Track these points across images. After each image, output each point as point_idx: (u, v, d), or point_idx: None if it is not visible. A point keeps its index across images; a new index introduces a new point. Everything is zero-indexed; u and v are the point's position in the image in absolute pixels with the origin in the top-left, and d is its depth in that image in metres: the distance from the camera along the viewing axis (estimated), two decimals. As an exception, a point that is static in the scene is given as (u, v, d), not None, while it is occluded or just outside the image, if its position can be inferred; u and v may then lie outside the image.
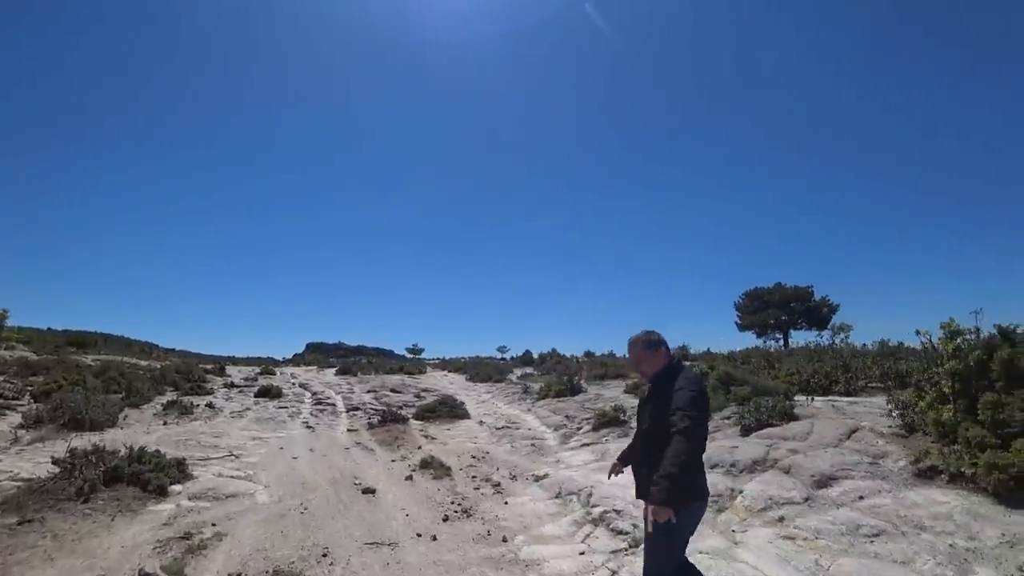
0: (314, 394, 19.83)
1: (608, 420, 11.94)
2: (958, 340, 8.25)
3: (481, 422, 14.54)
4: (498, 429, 12.92)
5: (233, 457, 9.62)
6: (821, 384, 12.92)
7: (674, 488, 2.57)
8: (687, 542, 3.20)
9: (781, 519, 6.11)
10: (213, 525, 6.05)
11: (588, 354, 33.25)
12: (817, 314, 26.63)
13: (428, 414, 14.82)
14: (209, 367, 28.88)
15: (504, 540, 5.91)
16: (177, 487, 7.23)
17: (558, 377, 18.84)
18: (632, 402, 13.04)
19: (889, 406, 9.72)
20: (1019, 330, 8.30)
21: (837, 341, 21.28)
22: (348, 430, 13.49)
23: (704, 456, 7.77)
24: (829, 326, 24.70)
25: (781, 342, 26.75)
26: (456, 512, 6.85)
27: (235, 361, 43.31)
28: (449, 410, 14.99)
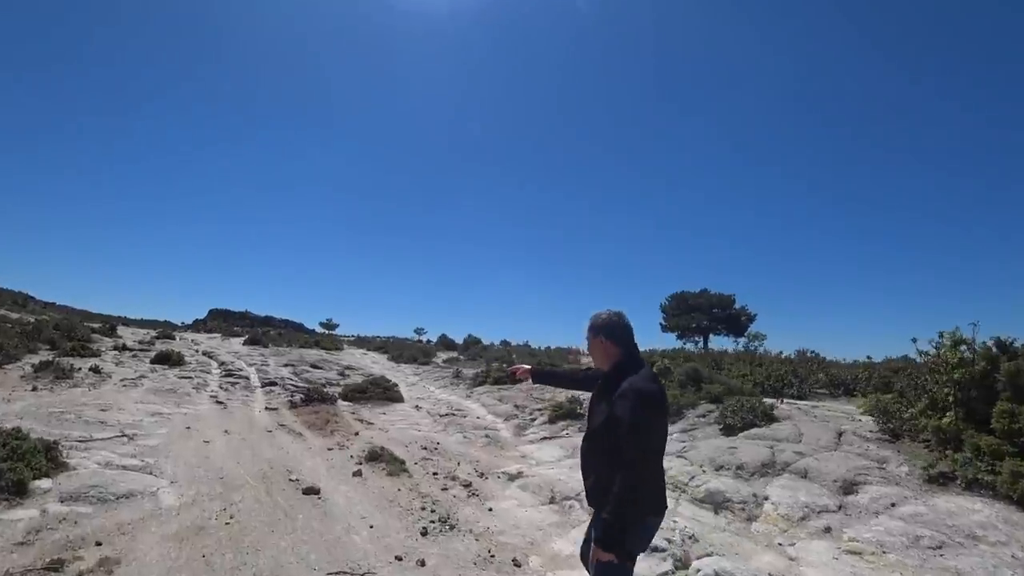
0: (222, 364, 17.22)
1: (564, 412, 10.63)
2: (962, 349, 7.66)
3: (417, 407, 12.81)
4: (442, 416, 11.27)
5: (126, 438, 7.41)
6: (774, 387, 12.26)
7: (620, 534, 2.20)
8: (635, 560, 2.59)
9: (828, 529, 5.34)
10: (98, 544, 4.06)
11: (504, 343, 32.01)
12: (736, 322, 26.96)
13: (358, 395, 12.90)
14: (96, 326, 25.04)
15: (517, 565, 4.38)
16: (44, 483, 5.07)
17: (494, 365, 17.39)
18: (584, 395, 11.78)
19: (860, 411, 9.17)
20: (1017, 344, 7.98)
21: (751, 348, 21.31)
22: (266, 408, 11.35)
23: (705, 456, 6.39)
24: (745, 334, 24.88)
25: (701, 345, 26.99)
26: (434, 523, 5.19)
27: (127, 323, 38.53)
28: (382, 392, 13.14)
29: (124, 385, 12.34)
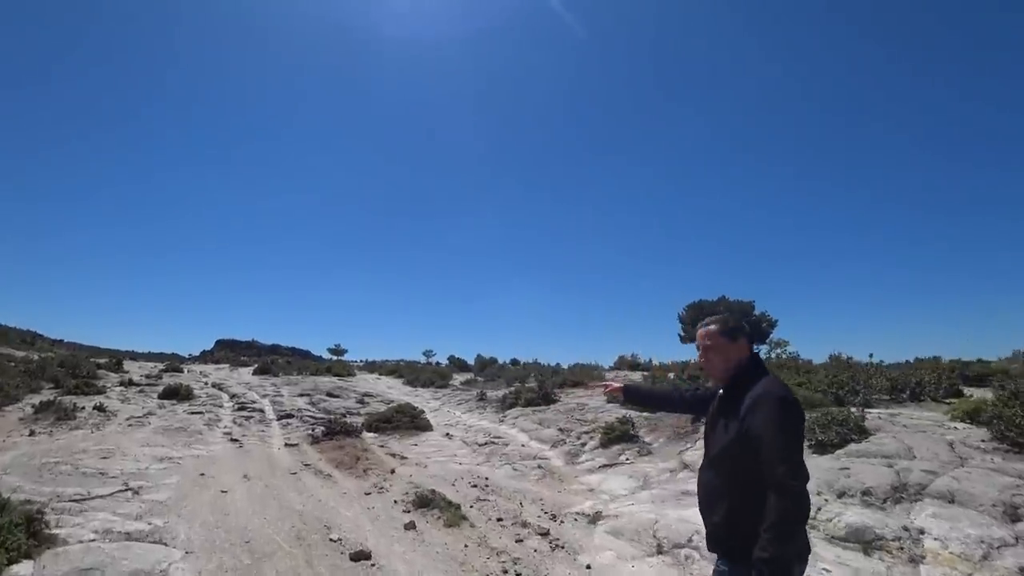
0: (233, 396, 15.96)
1: (618, 435, 9.39)
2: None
3: (448, 434, 11.55)
4: (480, 445, 10.01)
5: (130, 493, 6.16)
6: (837, 396, 11.05)
7: (783, 562, 1.71)
8: None
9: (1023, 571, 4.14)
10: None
11: (514, 362, 30.71)
12: (757, 328, 25.71)
13: (383, 425, 11.64)
14: (103, 362, 23.78)
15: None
16: (23, 567, 3.81)
17: (526, 385, 16.14)
18: (633, 413, 10.58)
19: (947, 417, 8.08)
20: None
21: (774, 355, 20.04)
22: (286, 444, 10.10)
23: (816, 480, 5.48)
24: (767, 341, 23.64)
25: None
26: (528, 598, 3.96)
27: (135, 357, 37.21)
28: (409, 420, 11.88)
29: (130, 425, 11.07)
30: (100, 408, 12.72)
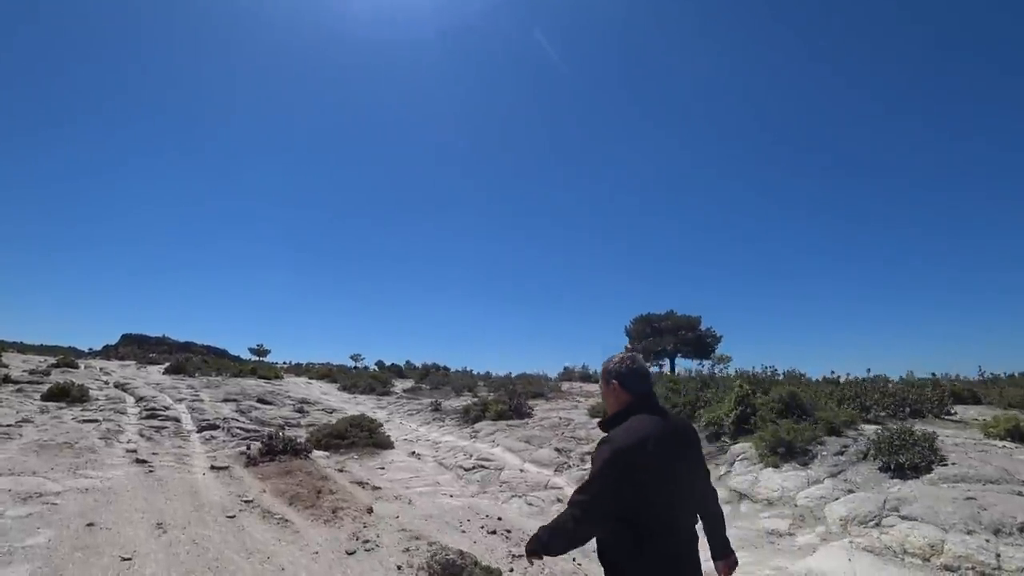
0: (140, 400, 12.69)
1: (633, 460, 7.50)
2: None
3: (415, 453, 9.22)
4: (467, 470, 7.76)
5: (-45, 572, 3.53)
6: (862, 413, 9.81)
7: (539, 544, 1.90)
8: None
9: None
10: None
11: (464, 370, 28.35)
12: (703, 343, 24.94)
13: (335, 441, 9.12)
14: (-26, 354, 19.23)
15: None
16: None
17: (489, 396, 13.99)
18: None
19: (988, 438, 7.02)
20: None
21: (716, 370, 19.19)
22: (213, 467, 7.42)
23: (939, 515, 4.78)
24: (711, 355, 22.91)
25: (667, 368, 24.68)
26: None
27: (23, 349, 31.36)
28: (367, 436, 9.41)
29: (-8, 438, 7.93)
30: (-45, 413, 9.35)
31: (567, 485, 7.07)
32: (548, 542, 1.90)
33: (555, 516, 1.95)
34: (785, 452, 6.84)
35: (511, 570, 4.22)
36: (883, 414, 10.27)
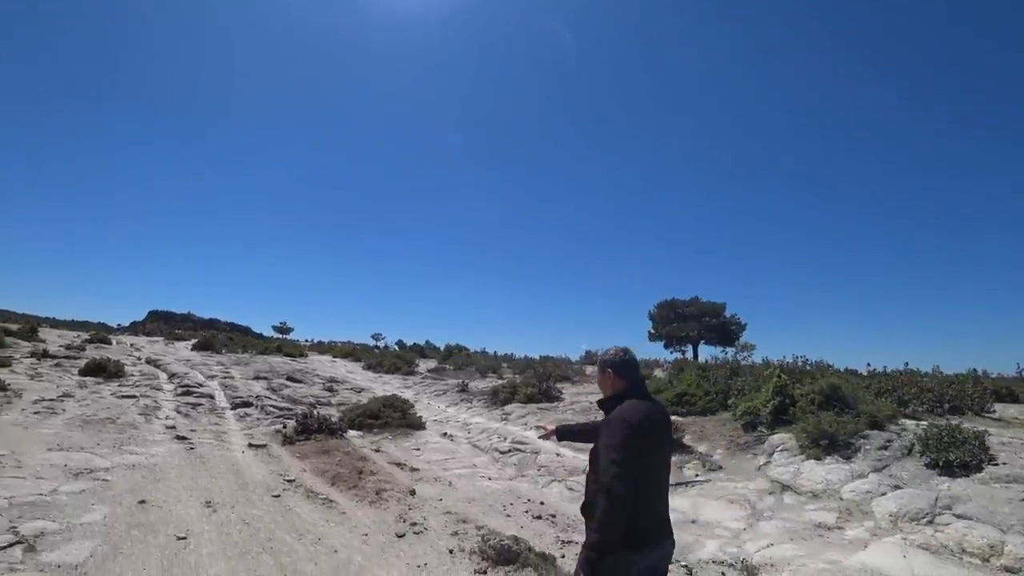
0: (173, 376, 12.84)
1: (668, 447, 7.40)
2: None
3: (447, 434, 9.20)
4: (503, 453, 7.72)
5: (19, 549, 3.52)
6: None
7: (601, 560, 1.95)
8: None
9: None
10: None
11: (483, 351, 28.32)
12: (726, 331, 24.54)
13: (369, 421, 9.13)
14: (13, 328, 19.62)
15: None
16: None
17: (515, 379, 13.94)
18: (676, 418, 8.64)
19: None
20: None
21: (740, 358, 18.88)
22: (251, 445, 7.45)
23: (996, 515, 4.67)
24: (735, 343, 22.53)
25: (690, 354, 24.30)
26: None
27: (56, 324, 31.99)
28: (400, 416, 9.41)
29: (36, 412, 8.05)
30: (0, 386, 9.51)
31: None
32: (603, 539, 1.97)
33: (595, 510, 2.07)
34: (828, 445, 6.67)
35: (563, 556, 4.14)
36: (921, 409, 10.03)
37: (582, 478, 6.58)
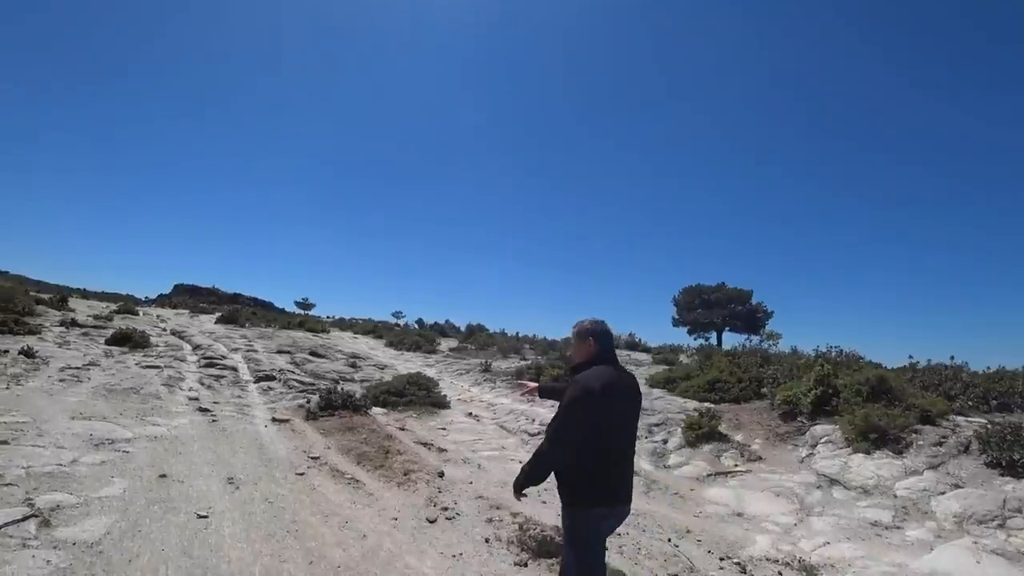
0: (197, 348, 12.77)
1: (706, 432, 7.06)
2: None
3: (472, 414, 8.94)
4: (532, 436, 7.44)
5: (33, 523, 3.31)
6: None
7: (526, 479, 2.29)
8: (601, 551, 2.47)
9: None
10: None
11: (503, 332, 28.00)
12: (752, 318, 23.80)
13: (393, 398, 8.89)
14: (45, 297, 19.83)
15: None
16: None
17: (544, 359, 13.64)
18: (710, 404, 8.26)
19: None
20: None
21: (767, 348, 18.30)
22: (274, 419, 7.26)
23: None
24: (760, 331, 21.87)
25: (713, 341, 23.60)
26: None
27: (86, 295, 32.44)
28: (425, 394, 9.17)
29: (62, 380, 7.95)
30: (28, 353, 9.46)
31: (639, 458, 6.65)
32: (530, 472, 2.27)
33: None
34: (877, 439, 6.25)
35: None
36: (968, 405, 9.51)
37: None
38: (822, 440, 6.70)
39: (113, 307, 22.29)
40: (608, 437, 2.23)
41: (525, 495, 2.40)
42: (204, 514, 3.75)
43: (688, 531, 4.46)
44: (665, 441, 7.16)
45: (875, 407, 6.74)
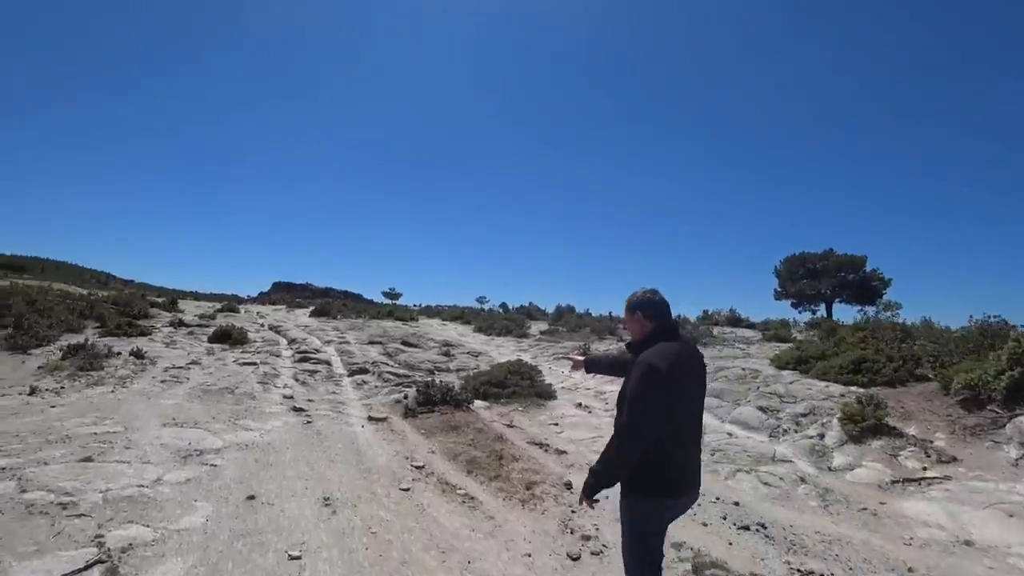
0: (292, 342, 12.62)
1: (871, 425, 5.64)
2: None
3: (581, 404, 7.96)
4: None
5: (97, 570, 2.67)
6: None
7: (598, 483, 2.06)
8: (661, 541, 2.24)
9: None
10: None
11: (587, 312, 26.78)
12: (867, 287, 20.99)
13: (495, 390, 8.07)
14: (159, 300, 20.92)
15: None
16: None
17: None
18: (838, 389, 6.78)
19: None
20: None
21: (884, 319, 15.76)
22: (370, 418, 6.61)
23: None
24: (876, 301, 19.14)
25: (823, 314, 21.01)
26: None
27: (197, 297, 34.53)
28: (528, 384, 8.28)
29: (163, 381, 7.74)
30: (137, 354, 9.50)
31: (794, 457, 5.37)
32: (602, 473, 2.05)
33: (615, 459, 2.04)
34: None
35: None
36: None
37: (774, 467, 5.01)
38: (1042, 434, 5.12)
39: (218, 306, 23.24)
40: (679, 419, 2.07)
41: (597, 500, 2.11)
42: (296, 554, 2.99)
43: (910, 570, 3.23)
44: (821, 436, 5.80)
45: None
